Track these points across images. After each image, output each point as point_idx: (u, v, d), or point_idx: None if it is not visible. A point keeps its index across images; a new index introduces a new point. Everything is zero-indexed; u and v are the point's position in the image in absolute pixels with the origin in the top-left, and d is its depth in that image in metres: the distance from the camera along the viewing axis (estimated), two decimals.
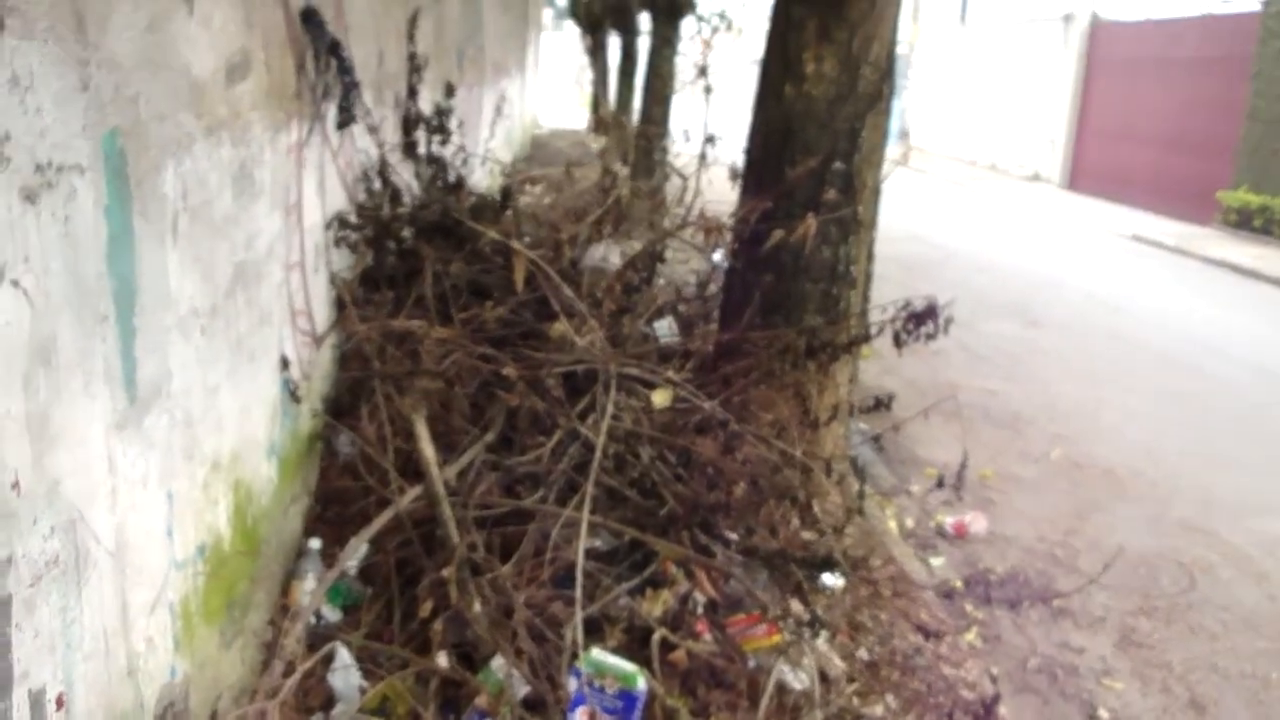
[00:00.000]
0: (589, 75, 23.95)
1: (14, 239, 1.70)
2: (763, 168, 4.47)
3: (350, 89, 3.87)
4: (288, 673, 2.63)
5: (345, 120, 3.90)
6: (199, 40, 2.53)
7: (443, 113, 5.35)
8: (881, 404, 3.78)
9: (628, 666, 2.90)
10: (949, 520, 5.62)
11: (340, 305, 4.06)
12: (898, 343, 3.54)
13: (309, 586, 3.31)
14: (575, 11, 21.12)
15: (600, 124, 16.85)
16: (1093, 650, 4.58)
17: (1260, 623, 4.89)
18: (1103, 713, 4.14)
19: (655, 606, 3.21)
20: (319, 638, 3.09)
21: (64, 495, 1.93)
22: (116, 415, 2.14)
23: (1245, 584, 5.25)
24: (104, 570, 2.11)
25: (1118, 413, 7.78)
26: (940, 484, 3.84)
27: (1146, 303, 11.81)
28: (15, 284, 1.71)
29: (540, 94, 21.61)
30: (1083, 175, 22.19)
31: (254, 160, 2.99)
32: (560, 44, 29.14)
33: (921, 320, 3.44)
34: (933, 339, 3.46)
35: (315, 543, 3.50)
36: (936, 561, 5.19)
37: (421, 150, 5.18)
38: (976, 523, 5.62)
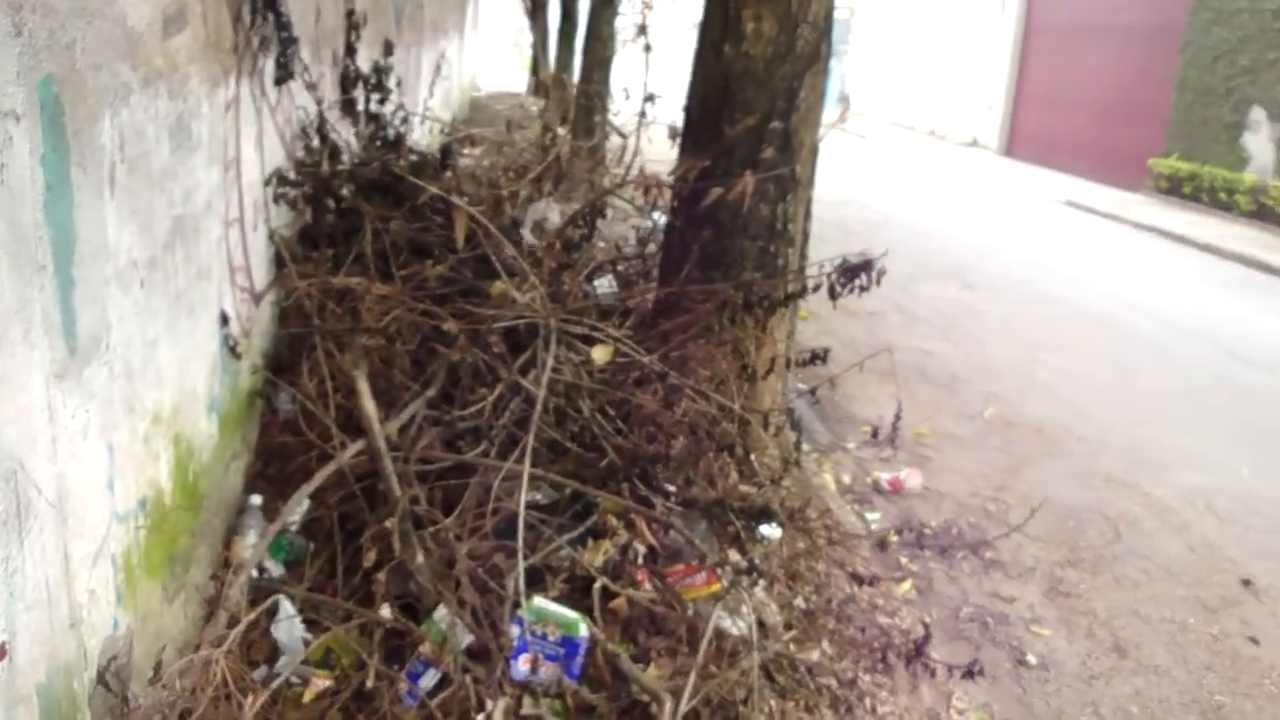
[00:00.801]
0: (528, 38, 23.75)
1: None
2: (701, 126, 4.50)
3: (288, 44, 3.84)
4: (232, 624, 2.65)
5: (283, 76, 3.87)
6: None
7: (381, 71, 5.32)
8: (817, 357, 3.85)
9: (569, 614, 2.96)
10: (884, 476, 5.74)
11: (279, 262, 4.04)
12: (833, 295, 3.60)
13: (250, 542, 3.32)
14: None
15: (540, 86, 16.72)
16: (1022, 599, 4.73)
17: (1180, 571, 5.08)
18: (1030, 658, 4.28)
19: (596, 556, 3.27)
20: (262, 592, 3.11)
21: (3, 444, 1.93)
22: (56, 365, 2.14)
23: (1167, 535, 5.44)
24: (45, 521, 2.11)
25: (1050, 372, 7.97)
26: (874, 436, 3.93)
27: (1080, 267, 12.06)
28: None
29: (479, 56, 21.40)
30: (1020, 141, 22.51)
31: (191, 113, 2.97)
32: (499, 5, 28.83)
33: (855, 273, 3.51)
34: (866, 291, 3.53)
35: (256, 499, 3.50)
36: (872, 516, 5.31)
37: (360, 108, 5.14)
38: (911, 478, 5.75)
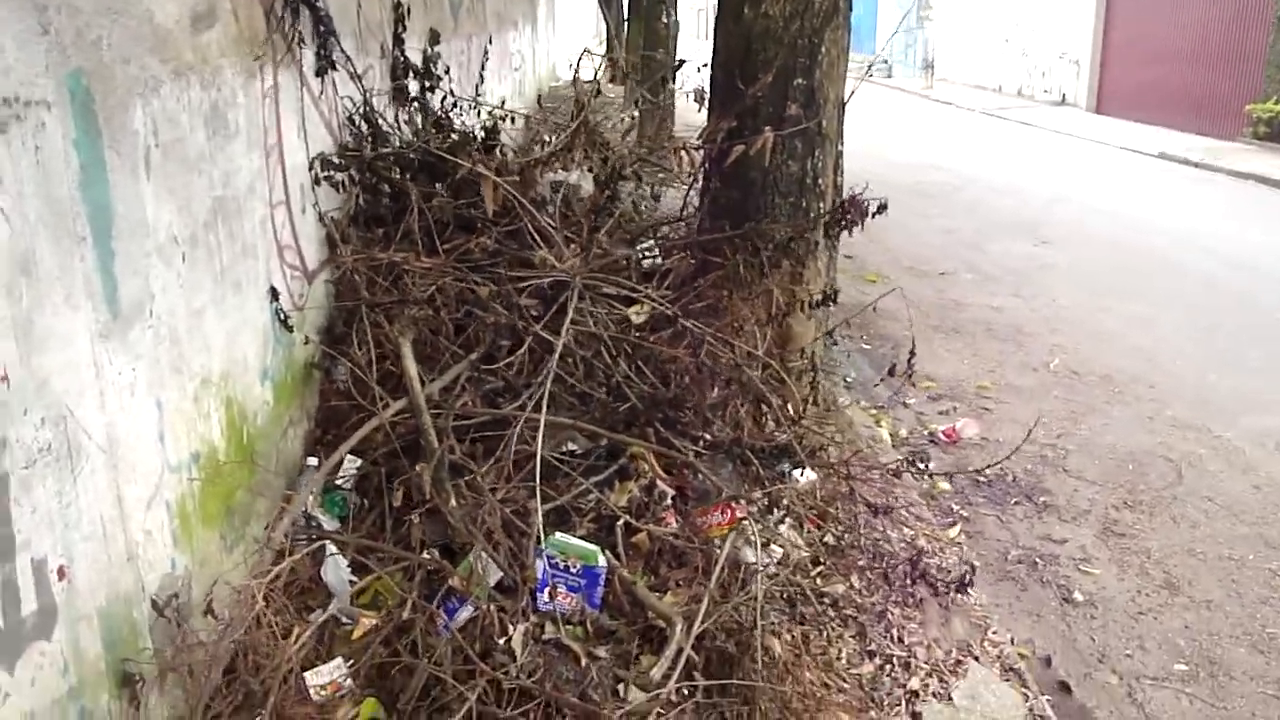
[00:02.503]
0: (604, 28, 23.96)
1: None
2: (726, 88, 4.62)
3: (327, 37, 4.08)
4: (276, 560, 2.91)
5: (323, 67, 4.12)
6: None
7: (429, 60, 5.56)
8: (828, 299, 3.97)
9: (588, 546, 3.15)
10: (940, 428, 5.81)
11: (332, 243, 4.30)
12: (827, 233, 3.72)
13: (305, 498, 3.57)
14: None
15: (614, 67, 16.97)
16: (1074, 541, 4.77)
17: (1242, 510, 5.05)
18: (1078, 595, 4.35)
19: (621, 497, 3.46)
20: (317, 542, 3.36)
21: (53, 392, 2.19)
22: (100, 326, 2.40)
23: (1232, 476, 5.40)
24: (97, 464, 2.38)
25: (1120, 321, 7.88)
26: (891, 373, 4.01)
27: (1167, 218, 11.79)
28: None
29: (560, 49, 21.70)
30: (1110, 97, 21.94)
31: (226, 103, 3.21)
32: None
33: (846, 210, 3.61)
34: (856, 225, 3.63)
35: (313, 461, 3.76)
36: None
37: (412, 96, 5.39)
38: (968, 428, 5.80)
